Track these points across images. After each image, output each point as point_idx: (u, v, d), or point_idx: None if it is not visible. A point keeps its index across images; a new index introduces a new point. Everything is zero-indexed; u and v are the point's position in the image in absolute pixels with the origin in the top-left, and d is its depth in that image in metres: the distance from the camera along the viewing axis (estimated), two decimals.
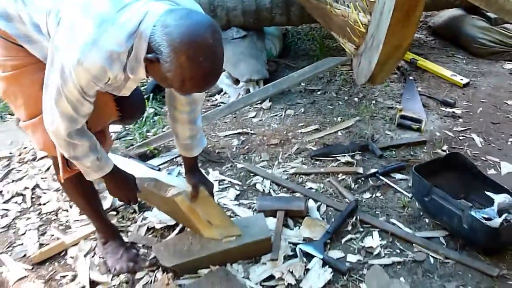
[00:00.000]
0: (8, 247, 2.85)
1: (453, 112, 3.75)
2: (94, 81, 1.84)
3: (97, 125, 2.29)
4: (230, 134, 3.68)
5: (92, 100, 1.98)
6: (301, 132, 3.63)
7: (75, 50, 1.78)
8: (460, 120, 3.67)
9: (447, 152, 3.29)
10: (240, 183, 3.18)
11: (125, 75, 1.88)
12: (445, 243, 2.66)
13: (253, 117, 3.85)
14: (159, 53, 1.73)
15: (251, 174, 3.25)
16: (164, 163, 3.34)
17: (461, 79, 4.08)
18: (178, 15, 1.73)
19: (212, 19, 1.78)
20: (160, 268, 2.60)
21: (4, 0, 2.05)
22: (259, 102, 3.94)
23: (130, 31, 1.76)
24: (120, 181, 2.38)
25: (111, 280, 2.57)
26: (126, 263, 2.62)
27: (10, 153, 3.57)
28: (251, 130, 3.69)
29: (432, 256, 2.58)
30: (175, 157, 3.39)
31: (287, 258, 2.61)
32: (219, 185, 3.16)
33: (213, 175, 3.23)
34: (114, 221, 2.90)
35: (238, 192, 3.10)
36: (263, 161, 3.37)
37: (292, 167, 3.28)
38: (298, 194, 3.04)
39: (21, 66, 2.14)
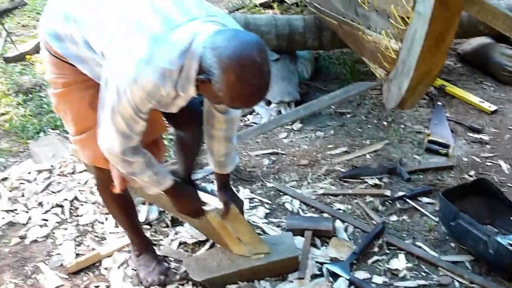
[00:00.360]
0: (46, 256, 2.94)
1: (481, 138, 3.77)
2: (148, 98, 1.91)
3: (148, 138, 2.36)
4: (261, 154, 3.75)
5: (145, 118, 2.04)
6: (330, 154, 3.68)
7: (129, 68, 1.85)
8: (488, 146, 3.69)
9: (474, 177, 3.31)
10: (269, 202, 3.24)
11: (176, 93, 1.94)
12: (470, 268, 2.69)
13: (284, 137, 3.91)
14: (210, 74, 1.80)
15: (281, 193, 3.31)
16: (196, 180, 3.42)
17: (489, 106, 4.09)
18: (226, 36, 1.80)
19: (258, 37, 1.84)
20: (190, 282, 2.66)
21: (54, 21, 2.13)
22: (290, 123, 4.00)
23: (181, 50, 1.83)
24: (182, 195, 2.46)
25: None
26: (158, 276, 2.69)
27: (51, 166, 3.66)
28: (281, 150, 3.75)
29: (457, 281, 2.61)
30: (207, 175, 3.46)
31: (313, 277, 2.66)
32: (249, 203, 3.23)
33: (243, 193, 3.30)
34: (147, 234, 2.98)
35: (267, 211, 3.16)
36: (292, 181, 3.43)
37: (321, 188, 3.34)
38: (326, 215, 3.09)
39: (71, 84, 2.24)
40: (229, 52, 1.75)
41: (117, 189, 2.41)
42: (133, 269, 2.80)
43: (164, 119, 2.61)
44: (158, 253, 2.84)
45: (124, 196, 2.54)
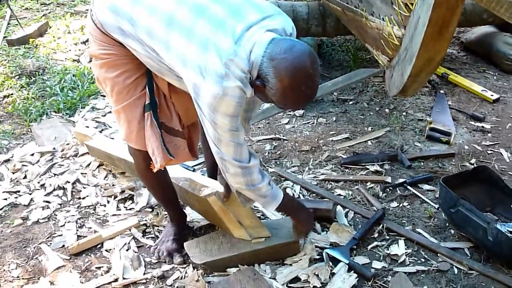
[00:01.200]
0: (48, 237, 2.97)
1: (482, 126, 3.78)
2: (240, 103, 2.05)
3: (188, 121, 2.52)
4: (263, 139, 3.76)
5: (240, 125, 2.17)
6: (332, 140, 3.69)
7: (215, 86, 1.99)
8: (489, 134, 3.70)
9: (475, 165, 3.33)
10: None
11: None
12: (469, 255, 2.70)
13: (286, 123, 3.92)
14: (266, 81, 1.99)
15: (282, 179, 3.33)
16: (198, 164, 3.44)
17: (491, 95, 4.10)
18: (283, 48, 1.96)
19: (311, 48, 2.02)
20: (191, 265, 2.69)
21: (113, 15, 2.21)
22: None
23: (246, 59, 1.99)
24: (297, 209, 2.60)
25: (143, 274, 2.68)
26: (164, 251, 2.76)
27: (54, 149, 3.69)
28: (283, 136, 3.77)
29: (456, 267, 2.63)
30: None
31: (313, 261, 2.68)
32: None
33: None
34: (149, 216, 3.02)
35: None
36: (294, 166, 3.45)
37: (322, 174, 3.35)
38: (326, 200, 3.10)
39: (112, 56, 2.32)
40: (287, 64, 1.94)
41: (155, 167, 2.46)
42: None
43: None
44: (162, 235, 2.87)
45: (163, 174, 2.62)
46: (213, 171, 2.87)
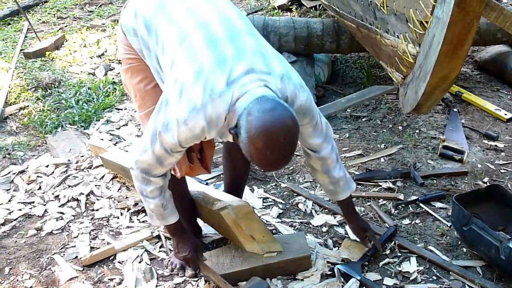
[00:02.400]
0: (61, 248, 3.00)
1: (496, 145, 3.77)
2: (193, 139, 2.09)
3: None
4: None
5: (181, 155, 2.22)
6: (345, 156, 3.70)
7: (183, 111, 2.01)
8: (502, 153, 3.69)
9: (488, 184, 3.31)
10: (283, 202, 3.27)
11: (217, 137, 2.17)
12: (481, 273, 2.69)
13: None
14: (239, 133, 1.97)
15: (294, 194, 3.33)
16: (211, 178, 3.46)
17: (505, 114, 4.09)
18: (263, 107, 1.92)
19: (293, 118, 1.96)
20: (202, 278, 2.69)
21: (132, 18, 2.31)
22: None
23: (229, 104, 1.99)
24: (182, 239, 2.63)
25: (156, 286, 2.69)
26: (177, 263, 2.77)
27: (68, 160, 3.73)
28: (296, 152, 3.75)
29: (468, 285, 2.61)
30: (222, 173, 3.49)
31: (325, 276, 2.68)
32: (263, 202, 3.26)
33: (257, 193, 3.33)
34: (161, 229, 3.04)
35: (281, 211, 3.19)
36: (306, 182, 3.45)
37: None
38: (338, 216, 3.11)
39: (136, 61, 2.40)
40: (259, 124, 1.90)
41: (178, 174, 2.50)
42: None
43: None
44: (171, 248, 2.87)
45: (182, 182, 2.66)
46: (230, 187, 2.90)
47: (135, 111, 2.55)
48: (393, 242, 2.87)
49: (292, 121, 1.95)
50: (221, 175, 3.47)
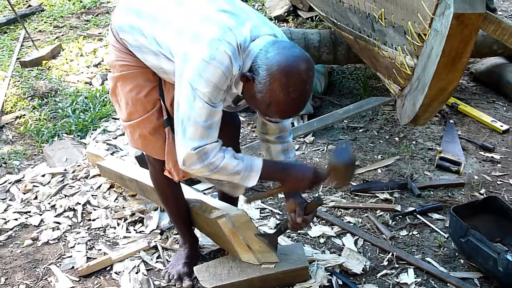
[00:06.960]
0: (58, 258, 2.98)
1: (492, 157, 3.78)
2: (224, 77, 1.98)
3: None
4: None
5: (221, 108, 2.09)
6: None
7: (205, 48, 1.96)
8: (499, 165, 3.70)
9: (485, 195, 3.32)
10: (280, 213, 3.27)
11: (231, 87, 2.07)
12: (479, 285, 2.70)
13: (296, 150, 3.92)
14: (256, 74, 1.93)
15: None
16: (208, 188, 3.45)
17: (501, 126, 4.11)
18: (282, 45, 1.94)
19: (311, 58, 1.97)
20: None
21: (125, 14, 2.29)
22: (303, 136, 4.03)
23: (245, 38, 1.99)
24: (290, 169, 2.36)
25: None
26: (174, 274, 2.76)
27: (65, 170, 3.71)
28: None
29: None
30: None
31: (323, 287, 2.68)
32: (260, 213, 3.26)
33: (255, 203, 3.33)
34: (157, 238, 3.03)
35: (278, 221, 3.18)
36: (303, 193, 3.44)
37: (332, 201, 3.36)
38: (336, 227, 3.11)
39: (129, 68, 2.36)
40: (280, 59, 1.89)
41: (175, 178, 2.48)
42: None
43: None
44: (171, 259, 2.87)
45: (177, 187, 2.66)
46: (225, 193, 2.88)
47: (123, 120, 2.48)
48: (391, 253, 2.87)
49: (310, 61, 1.97)
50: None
